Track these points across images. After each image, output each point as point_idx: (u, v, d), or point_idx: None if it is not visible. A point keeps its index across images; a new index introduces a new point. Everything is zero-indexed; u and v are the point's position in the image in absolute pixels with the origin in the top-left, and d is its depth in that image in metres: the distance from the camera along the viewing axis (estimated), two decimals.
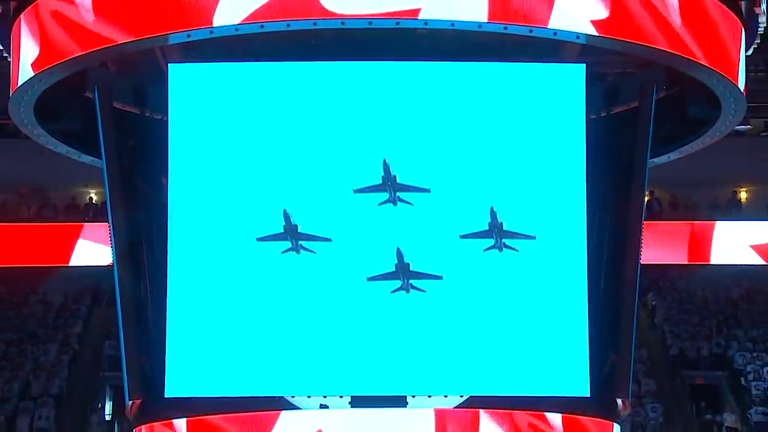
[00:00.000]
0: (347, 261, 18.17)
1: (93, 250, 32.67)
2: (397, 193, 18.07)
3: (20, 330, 37.49)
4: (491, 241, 18.07)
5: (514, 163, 18.35)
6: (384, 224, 18.20)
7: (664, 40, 17.37)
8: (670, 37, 17.43)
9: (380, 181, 18.02)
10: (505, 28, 16.53)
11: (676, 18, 17.40)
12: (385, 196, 18.06)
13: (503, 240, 18.07)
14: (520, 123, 18.42)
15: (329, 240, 18.02)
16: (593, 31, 16.66)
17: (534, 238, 18.18)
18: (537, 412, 18.21)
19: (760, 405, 34.70)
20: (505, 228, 18.04)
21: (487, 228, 18.09)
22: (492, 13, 16.32)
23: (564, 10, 16.53)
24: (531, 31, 16.55)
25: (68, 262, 33.78)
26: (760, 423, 34.07)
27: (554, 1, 16.47)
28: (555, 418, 18.11)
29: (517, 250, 18.28)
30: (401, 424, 17.95)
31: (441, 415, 17.82)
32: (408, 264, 18.03)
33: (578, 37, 17.05)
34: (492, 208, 17.95)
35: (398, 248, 17.91)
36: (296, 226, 17.97)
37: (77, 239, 33.57)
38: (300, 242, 18.03)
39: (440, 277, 18.11)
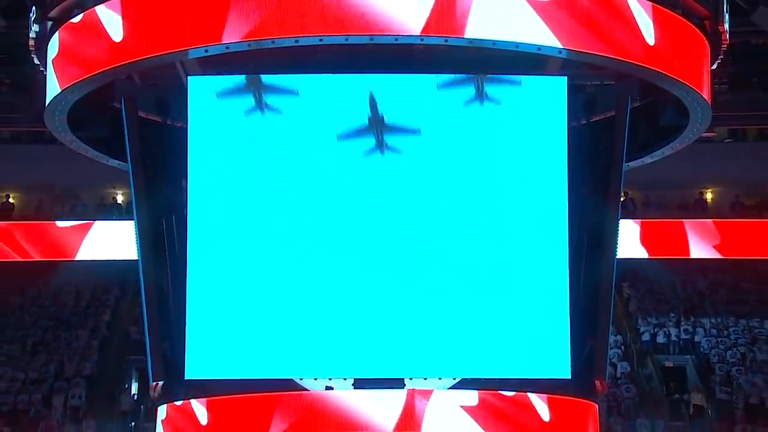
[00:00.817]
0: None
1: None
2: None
3: (55, 318, 37.52)
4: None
5: (503, 165, 18.35)
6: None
7: (640, 56, 17.42)
8: (645, 54, 17.48)
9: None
10: (494, 43, 16.56)
11: (650, 36, 17.44)
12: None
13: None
14: (508, 129, 18.41)
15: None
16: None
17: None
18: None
19: (722, 385, 34.74)
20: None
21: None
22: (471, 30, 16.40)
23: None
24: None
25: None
26: (722, 400, 34.13)
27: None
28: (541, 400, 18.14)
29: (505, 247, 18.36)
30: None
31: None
32: (382, 117, 18.15)
33: (560, 52, 17.03)
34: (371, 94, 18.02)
35: (371, 94, 17.95)
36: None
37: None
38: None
39: (417, 131, 18.25)
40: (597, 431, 18.90)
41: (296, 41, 16.46)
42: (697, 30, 18.58)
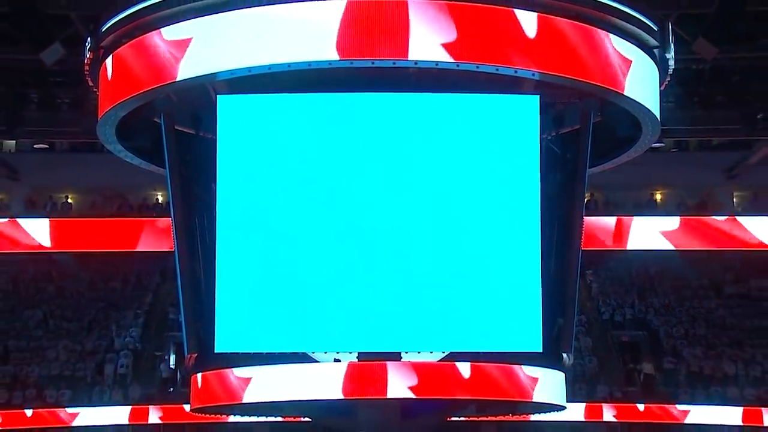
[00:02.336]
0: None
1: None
2: None
3: (105, 300, 37.63)
4: None
5: (486, 170, 18.15)
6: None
7: (602, 78, 17.35)
8: (606, 76, 17.39)
9: None
10: (477, 66, 16.48)
11: (612, 62, 17.38)
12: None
13: None
14: (489, 140, 18.19)
15: None
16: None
17: None
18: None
19: (670, 356, 34.82)
20: None
21: None
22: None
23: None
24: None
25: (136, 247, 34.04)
26: (668, 369, 34.24)
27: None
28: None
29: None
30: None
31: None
32: None
33: (534, 75, 16.90)
34: None
35: None
36: None
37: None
38: None
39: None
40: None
41: (309, 65, 16.32)
42: (648, 56, 18.44)
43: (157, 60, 17.25)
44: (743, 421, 33.00)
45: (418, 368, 17.74)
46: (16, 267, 37.85)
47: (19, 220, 34.45)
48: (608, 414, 33.12)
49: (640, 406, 32.77)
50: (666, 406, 32.95)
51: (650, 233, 34.41)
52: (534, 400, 18.57)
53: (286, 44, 16.31)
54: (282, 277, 18.03)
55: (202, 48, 16.80)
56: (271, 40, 16.39)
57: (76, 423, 32.89)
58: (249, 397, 18.19)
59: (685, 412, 32.91)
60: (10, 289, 38.52)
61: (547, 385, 18.80)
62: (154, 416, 32.80)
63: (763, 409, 32.82)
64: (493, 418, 26.41)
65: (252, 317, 18.09)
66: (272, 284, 18.04)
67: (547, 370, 18.75)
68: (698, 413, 32.98)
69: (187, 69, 16.94)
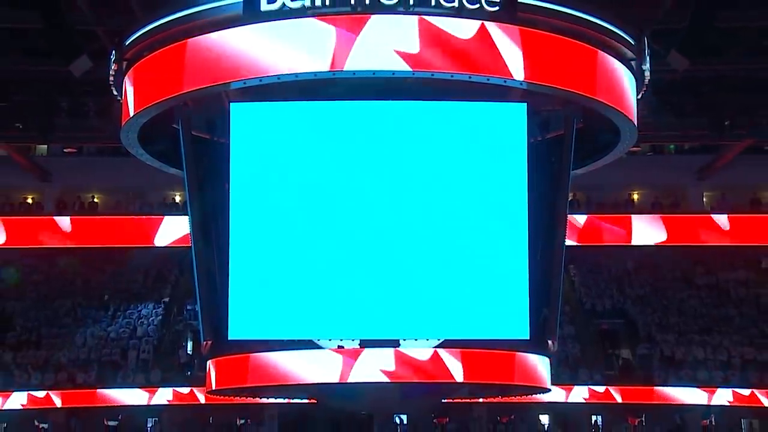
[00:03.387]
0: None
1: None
2: None
3: (128, 291, 37.54)
4: None
5: (478, 172, 18.07)
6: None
7: (584, 88, 17.27)
8: (589, 86, 17.31)
9: None
10: (470, 77, 16.38)
11: (594, 74, 17.31)
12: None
13: None
14: (478, 146, 18.11)
15: None
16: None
17: None
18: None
19: (645, 342, 34.81)
20: None
21: None
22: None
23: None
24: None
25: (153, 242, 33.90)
26: (643, 354, 34.25)
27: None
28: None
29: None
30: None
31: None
32: None
33: (522, 84, 16.78)
34: None
35: None
36: None
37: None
38: None
39: None
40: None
41: (314, 75, 16.20)
42: (627, 69, 18.33)
43: (173, 71, 17.14)
44: (711, 401, 33.14)
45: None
46: (47, 261, 37.79)
47: (48, 218, 34.38)
48: (590, 395, 33.11)
49: (619, 388, 32.72)
50: (641, 387, 32.96)
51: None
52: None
53: (294, 56, 16.18)
54: (290, 270, 17.92)
55: (216, 61, 16.67)
56: (280, 53, 16.27)
57: (102, 403, 32.98)
58: (259, 380, 18.10)
59: (659, 393, 33.03)
60: (42, 281, 38.45)
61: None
62: (172, 397, 32.85)
63: (729, 389, 32.96)
64: (484, 400, 26.32)
65: (262, 308, 18.01)
66: (281, 277, 17.93)
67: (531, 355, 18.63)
68: (671, 394, 33.13)
69: (200, 80, 16.86)
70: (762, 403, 33.03)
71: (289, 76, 16.24)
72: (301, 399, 22.56)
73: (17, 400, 32.60)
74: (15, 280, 37.43)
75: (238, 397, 22.27)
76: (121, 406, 33.08)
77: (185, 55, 16.96)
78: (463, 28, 16.24)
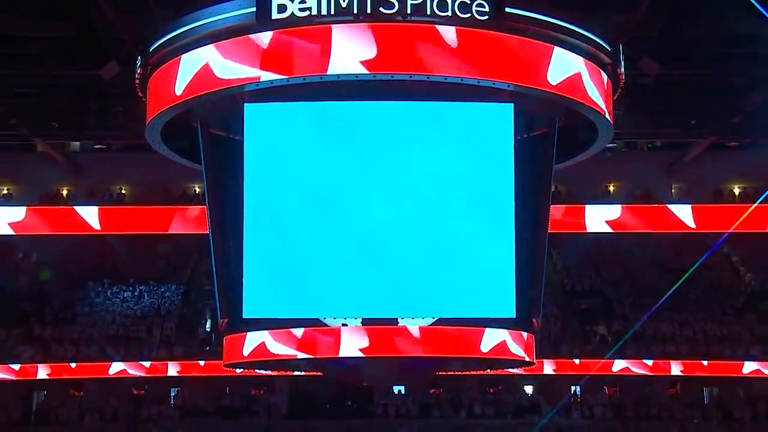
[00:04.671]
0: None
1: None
2: None
3: (151, 275, 37.54)
4: None
5: (469, 166, 17.79)
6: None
7: (567, 90, 17.06)
8: (573, 89, 17.11)
9: None
10: (462, 79, 16.15)
11: (577, 78, 17.13)
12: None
13: None
14: (469, 142, 17.85)
15: None
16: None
17: None
18: None
19: (620, 320, 34.86)
20: None
21: None
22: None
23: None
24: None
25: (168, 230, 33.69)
26: (618, 330, 34.37)
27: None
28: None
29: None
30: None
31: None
32: None
33: (509, 86, 16.58)
34: None
35: None
36: None
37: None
38: None
39: None
40: None
41: (321, 78, 16.02)
42: (604, 73, 18.09)
43: (194, 74, 16.92)
44: (677, 372, 33.43)
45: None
46: (80, 246, 37.72)
47: (77, 208, 34.31)
48: (570, 367, 33.14)
49: (595, 361, 32.68)
50: (616, 360, 32.94)
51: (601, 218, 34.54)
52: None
53: (304, 61, 15.99)
54: (298, 256, 17.68)
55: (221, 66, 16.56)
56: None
57: (129, 374, 33.04)
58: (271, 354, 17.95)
59: (631, 365, 33.14)
60: (76, 263, 38.43)
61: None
62: (192, 369, 32.87)
63: (693, 361, 33.03)
64: (475, 372, 26.20)
65: (273, 289, 17.77)
66: (290, 261, 17.69)
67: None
68: (642, 366, 33.25)
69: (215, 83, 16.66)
70: (721, 373, 33.29)
71: (297, 79, 16.08)
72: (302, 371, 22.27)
73: (55, 371, 32.73)
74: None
75: (253, 370, 22.13)
76: (146, 376, 33.15)
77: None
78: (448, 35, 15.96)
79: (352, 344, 17.44)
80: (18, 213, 33.85)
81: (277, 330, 17.87)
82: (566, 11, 17.68)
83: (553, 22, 16.86)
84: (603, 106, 17.91)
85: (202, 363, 32.54)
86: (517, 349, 18.36)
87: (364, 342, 17.43)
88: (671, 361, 33.15)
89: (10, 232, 33.68)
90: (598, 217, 33.65)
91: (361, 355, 17.38)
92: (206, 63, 16.69)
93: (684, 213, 33.90)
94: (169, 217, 33.43)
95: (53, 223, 33.93)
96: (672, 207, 34.26)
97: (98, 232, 33.70)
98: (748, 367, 32.93)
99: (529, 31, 16.58)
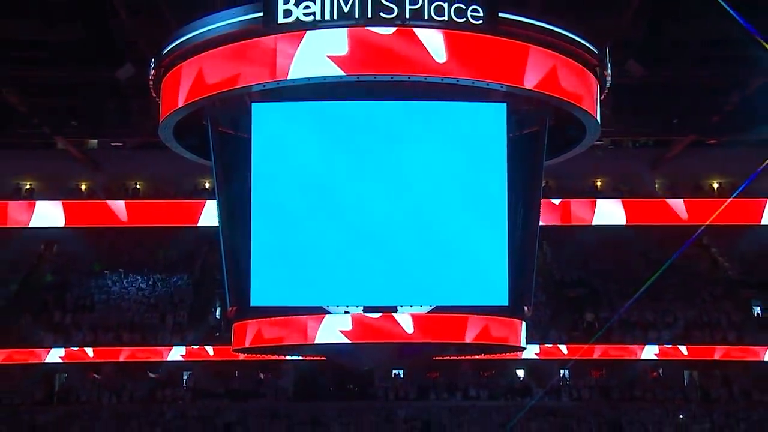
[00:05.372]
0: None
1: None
2: None
3: (164, 266, 37.51)
4: None
5: (464, 162, 17.68)
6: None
7: (558, 91, 16.93)
8: (560, 90, 16.97)
9: None
10: (457, 80, 15.99)
11: (564, 78, 16.98)
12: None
13: None
14: (464, 140, 17.73)
15: None
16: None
17: None
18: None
19: (606, 308, 34.84)
20: None
21: None
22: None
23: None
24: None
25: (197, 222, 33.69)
26: (604, 317, 34.37)
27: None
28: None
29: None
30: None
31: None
32: None
33: (502, 87, 16.45)
34: None
35: None
36: None
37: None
38: None
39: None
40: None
41: (324, 79, 15.85)
42: (591, 74, 17.96)
43: (202, 76, 16.83)
44: (660, 356, 33.61)
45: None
46: (97, 238, 37.71)
47: (110, 203, 34.63)
48: (558, 352, 33.21)
49: (583, 346, 32.74)
50: (602, 346, 33.02)
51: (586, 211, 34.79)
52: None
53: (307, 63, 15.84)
54: (303, 246, 17.58)
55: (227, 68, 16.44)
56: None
57: (144, 359, 33.17)
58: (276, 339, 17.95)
59: (616, 350, 33.25)
60: (94, 254, 38.41)
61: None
62: (203, 354, 32.90)
63: (673, 346, 33.26)
64: (469, 357, 26.15)
65: (279, 278, 17.67)
66: (296, 252, 17.59)
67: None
68: (626, 351, 33.38)
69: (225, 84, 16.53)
70: (700, 357, 33.59)
71: (301, 80, 15.92)
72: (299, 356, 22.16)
73: (75, 355, 32.89)
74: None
75: (259, 355, 22.08)
76: (160, 361, 33.26)
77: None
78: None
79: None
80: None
81: (273, 318, 17.86)
82: (557, 17, 17.52)
83: (549, 28, 16.74)
84: (591, 106, 17.78)
85: (212, 348, 32.62)
86: (508, 335, 18.32)
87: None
88: (654, 346, 33.30)
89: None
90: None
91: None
92: (213, 65, 16.58)
93: (678, 207, 34.33)
94: (189, 211, 33.77)
95: (75, 216, 34.29)
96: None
97: (120, 224, 34.13)
98: (725, 351, 33.13)
99: (521, 34, 16.45)
